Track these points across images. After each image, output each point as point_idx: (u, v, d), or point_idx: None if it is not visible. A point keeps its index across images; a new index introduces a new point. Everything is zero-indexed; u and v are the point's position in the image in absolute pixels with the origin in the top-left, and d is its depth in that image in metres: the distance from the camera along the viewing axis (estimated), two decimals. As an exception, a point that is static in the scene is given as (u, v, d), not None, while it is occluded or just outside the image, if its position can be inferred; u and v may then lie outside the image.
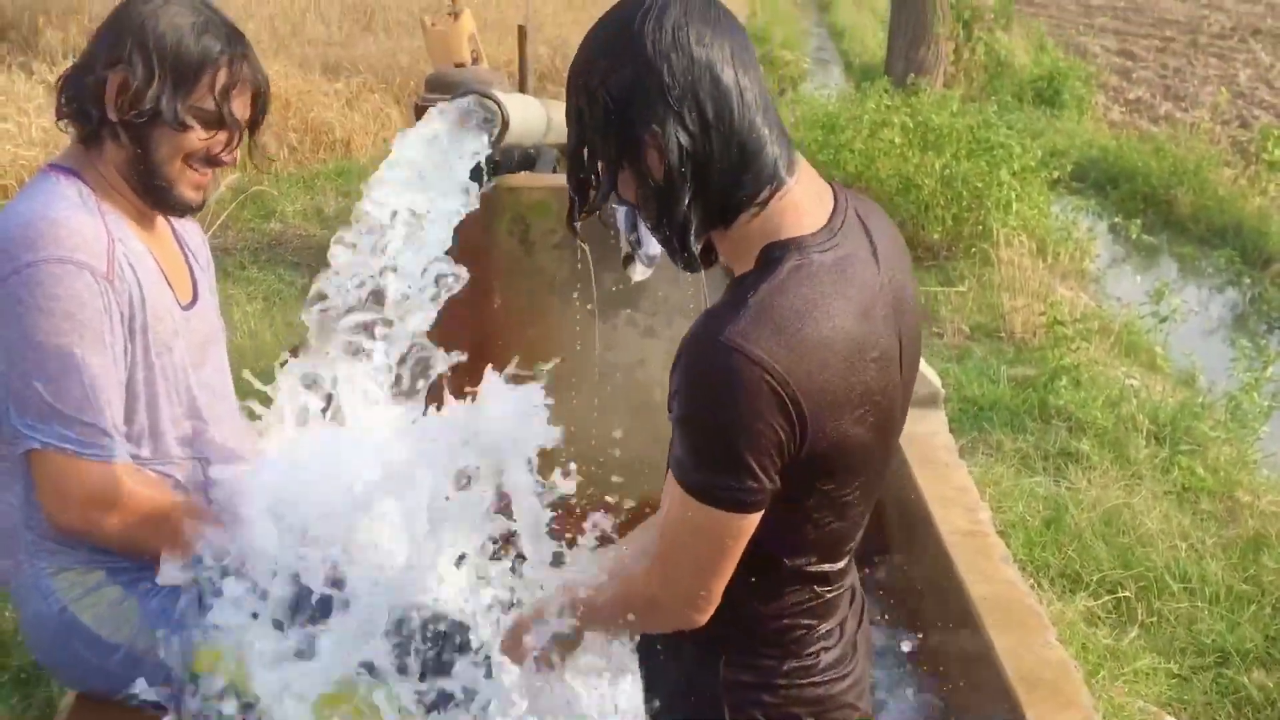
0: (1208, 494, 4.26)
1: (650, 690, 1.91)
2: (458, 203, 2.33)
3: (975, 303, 6.30)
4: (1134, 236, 7.08)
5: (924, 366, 3.66)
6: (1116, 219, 8.00)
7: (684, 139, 1.55)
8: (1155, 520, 3.90)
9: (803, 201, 1.61)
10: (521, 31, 4.83)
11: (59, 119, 2.14)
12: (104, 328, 2.00)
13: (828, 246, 1.57)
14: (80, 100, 2.07)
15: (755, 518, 1.58)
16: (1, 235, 1.99)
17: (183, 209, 2.21)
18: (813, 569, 1.73)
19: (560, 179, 3.30)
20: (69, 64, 2.18)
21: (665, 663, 1.87)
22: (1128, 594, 3.51)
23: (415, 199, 2.29)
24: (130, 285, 2.06)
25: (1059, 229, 7.40)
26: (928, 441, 3.31)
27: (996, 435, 4.68)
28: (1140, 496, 4.07)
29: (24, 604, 2.19)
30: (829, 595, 1.77)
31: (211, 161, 2.16)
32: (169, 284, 2.19)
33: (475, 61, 5.14)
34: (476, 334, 2.27)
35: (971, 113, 7.98)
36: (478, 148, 2.39)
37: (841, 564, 1.77)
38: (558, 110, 2.79)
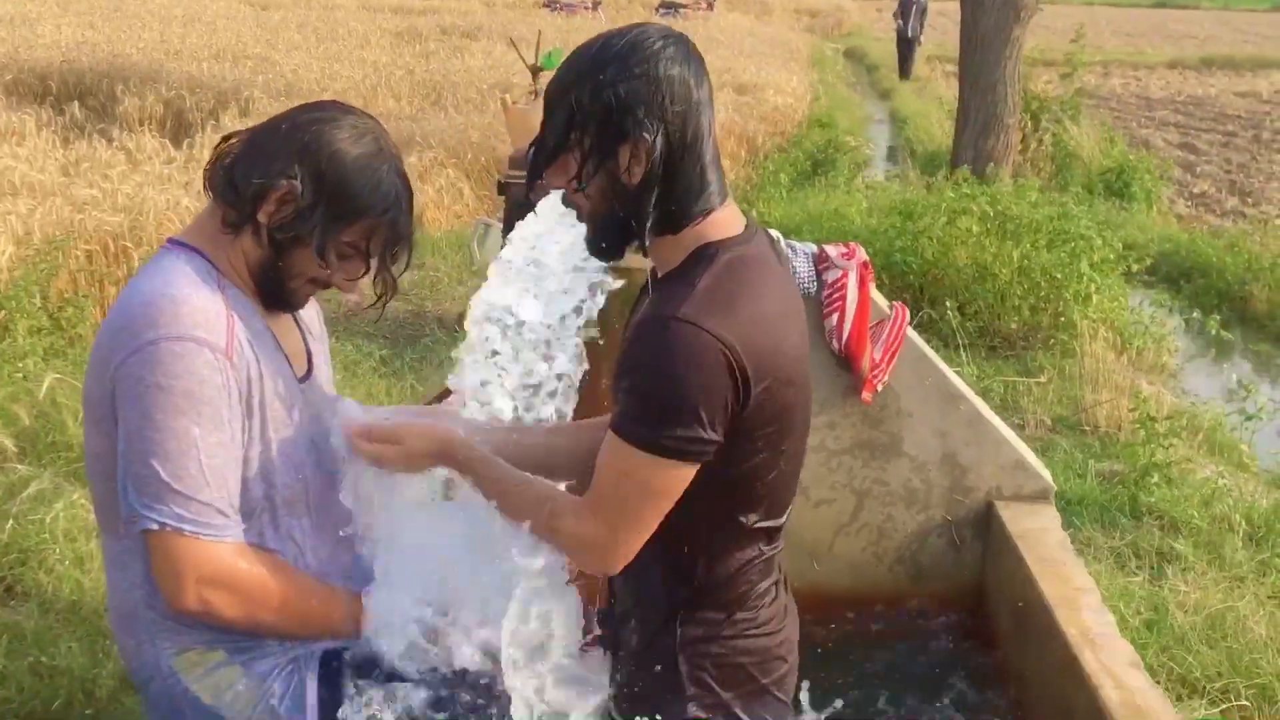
0: (1312, 600, 4.13)
1: (614, 652, 2.14)
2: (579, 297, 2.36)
3: (1056, 395, 6.20)
4: (1213, 332, 6.97)
5: (1033, 460, 3.60)
6: (1193, 314, 7.89)
7: (665, 150, 1.83)
8: (1262, 625, 3.79)
9: (727, 217, 1.94)
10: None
11: (208, 190, 2.14)
12: (222, 405, 1.99)
13: (748, 243, 1.93)
14: (239, 191, 2.06)
15: (690, 471, 1.85)
16: (124, 314, 2.00)
17: (286, 311, 2.23)
18: (762, 525, 2.01)
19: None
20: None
21: (628, 629, 2.11)
22: (1244, 702, 3.41)
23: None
24: (248, 362, 2.06)
25: (1136, 323, 7.33)
26: (1041, 538, 3.24)
27: (1087, 531, 4.58)
28: (1245, 601, 3.96)
29: (146, 684, 2.16)
30: (770, 553, 2.07)
31: (329, 286, 2.17)
32: (286, 357, 2.19)
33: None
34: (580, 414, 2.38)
35: (1051, 203, 7.93)
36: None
37: (782, 520, 2.06)
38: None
